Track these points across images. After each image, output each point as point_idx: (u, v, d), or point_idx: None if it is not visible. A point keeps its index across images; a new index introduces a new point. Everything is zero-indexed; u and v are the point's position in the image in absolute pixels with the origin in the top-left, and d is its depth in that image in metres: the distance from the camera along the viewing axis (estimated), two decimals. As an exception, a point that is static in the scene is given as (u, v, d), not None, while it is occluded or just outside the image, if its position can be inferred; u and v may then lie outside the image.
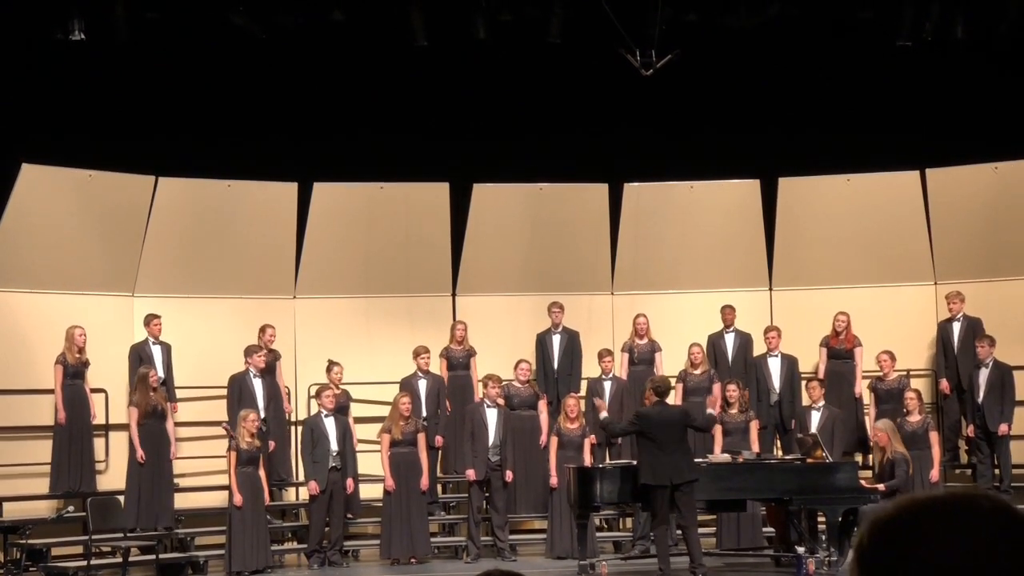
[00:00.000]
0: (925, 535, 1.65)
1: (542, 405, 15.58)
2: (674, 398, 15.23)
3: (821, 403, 15.03)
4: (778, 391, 15.73)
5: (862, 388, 15.83)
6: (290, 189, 16.41)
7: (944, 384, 15.83)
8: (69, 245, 15.37)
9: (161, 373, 14.96)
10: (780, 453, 15.34)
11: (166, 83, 15.89)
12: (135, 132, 15.61)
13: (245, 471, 14.02)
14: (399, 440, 14.67)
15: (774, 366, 15.82)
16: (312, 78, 16.47)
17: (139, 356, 15.00)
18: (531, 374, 15.73)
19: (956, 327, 15.86)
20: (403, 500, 14.60)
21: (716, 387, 15.53)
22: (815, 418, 14.87)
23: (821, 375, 15.77)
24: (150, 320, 15.18)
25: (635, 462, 13.21)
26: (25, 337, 14.96)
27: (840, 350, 15.86)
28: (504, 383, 15.35)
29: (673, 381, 15.57)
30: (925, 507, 1.69)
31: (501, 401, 15.16)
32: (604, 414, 13.98)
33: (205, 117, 16.00)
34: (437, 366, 15.89)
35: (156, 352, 15.15)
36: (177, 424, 15.22)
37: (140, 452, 14.26)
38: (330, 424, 14.72)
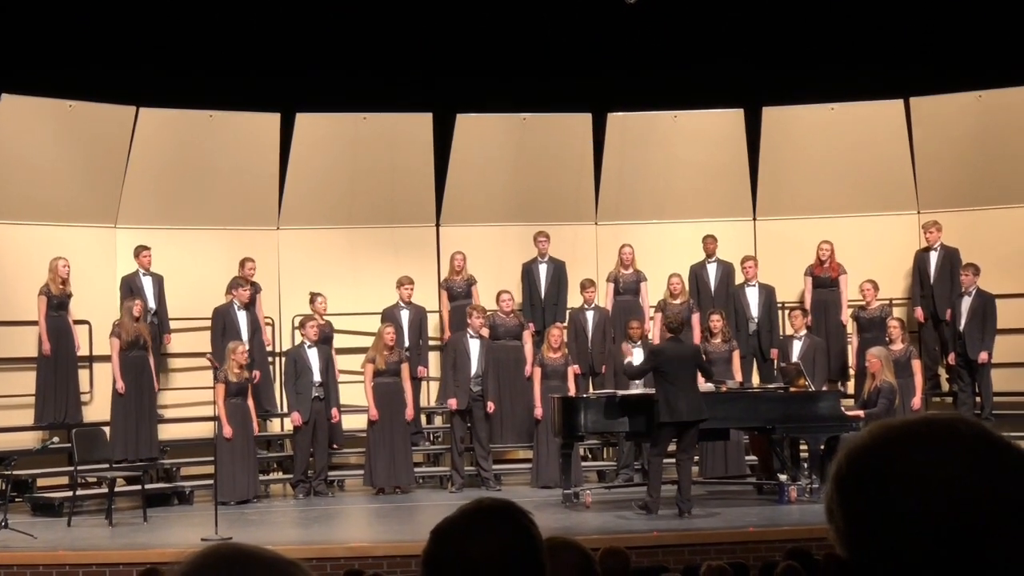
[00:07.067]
0: (902, 460, 1.65)
1: (527, 335, 15.55)
2: (653, 329, 15.27)
3: (803, 332, 15.09)
4: (756, 320, 15.77)
5: (847, 316, 15.85)
6: (273, 120, 16.32)
7: (919, 312, 15.89)
8: (50, 176, 15.28)
9: (152, 304, 14.93)
10: (759, 382, 15.40)
11: (148, 12, 15.74)
12: (116, 62, 15.47)
13: (234, 402, 14.06)
14: (383, 370, 14.70)
15: (752, 296, 15.84)
16: (296, 7, 16.33)
17: (129, 288, 14.96)
18: (513, 304, 15.70)
19: (933, 256, 15.88)
20: (387, 430, 14.65)
21: (695, 317, 15.55)
22: (797, 347, 14.94)
23: (807, 304, 15.80)
24: (140, 252, 15.13)
25: (618, 392, 13.25)
26: (6, 269, 14.91)
27: (825, 278, 15.87)
28: (489, 313, 15.35)
29: (652, 311, 15.62)
30: (901, 432, 1.69)
31: (485, 332, 15.16)
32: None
33: (187, 47, 15.86)
34: (421, 297, 15.86)
35: (147, 283, 15.11)
36: (164, 355, 15.19)
37: (120, 383, 14.24)
38: (313, 355, 14.74)
